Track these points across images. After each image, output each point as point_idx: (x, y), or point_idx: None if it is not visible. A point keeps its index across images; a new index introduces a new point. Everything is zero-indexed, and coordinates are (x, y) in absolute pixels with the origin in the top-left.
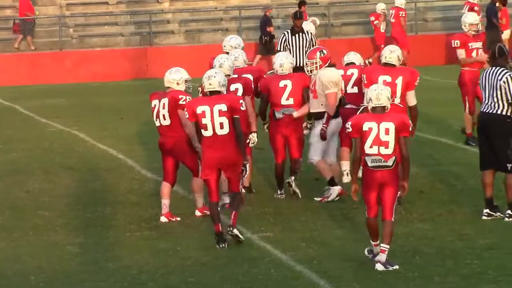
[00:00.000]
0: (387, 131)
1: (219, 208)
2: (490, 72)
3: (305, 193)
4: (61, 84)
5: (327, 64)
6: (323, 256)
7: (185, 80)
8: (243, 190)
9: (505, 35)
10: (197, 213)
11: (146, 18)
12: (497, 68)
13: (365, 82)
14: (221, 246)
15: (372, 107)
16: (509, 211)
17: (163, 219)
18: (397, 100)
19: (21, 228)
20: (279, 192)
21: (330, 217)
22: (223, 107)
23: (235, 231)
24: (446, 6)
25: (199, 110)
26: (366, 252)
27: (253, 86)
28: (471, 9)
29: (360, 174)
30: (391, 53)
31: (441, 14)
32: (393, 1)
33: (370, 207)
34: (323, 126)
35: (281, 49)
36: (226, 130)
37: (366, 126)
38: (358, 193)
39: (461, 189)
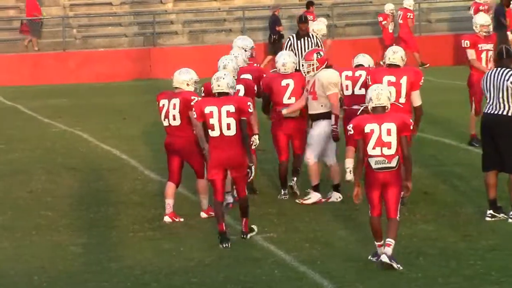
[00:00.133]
0: (389, 132)
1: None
2: (495, 73)
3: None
4: (64, 84)
5: (324, 66)
6: (327, 257)
7: (195, 81)
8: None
9: (510, 36)
10: (203, 214)
11: (149, 19)
12: (503, 69)
13: (370, 83)
14: (224, 245)
15: (373, 107)
16: None
17: (166, 219)
18: (402, 100)
19: (24, 228)
20: (282, 193)
21: (333, 217)
22: (231, 108)
23: (249, 235)
24: (450, 7)
25: (207, 110)
26: (370, 257)
27: (255, 88)
28: (476, 9)
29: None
30: (394, 54)
31: (444, 15)
32: (401, 1)
33: (374, 207)
34: (333, 128)
35: None
36: (233, 131)
37: (368, 128)
38: (359, 197)
39: (464, 190)
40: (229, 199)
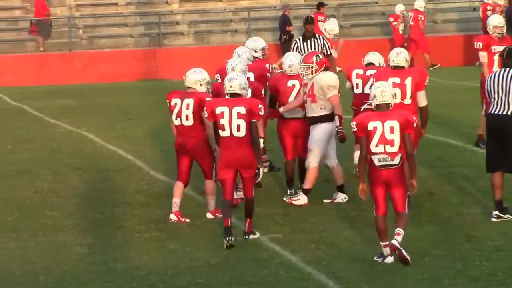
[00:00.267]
0: (392, 130)
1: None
2: (502, 73)
3: (314, 195)
4: (70, 84)
5: (322, 69)
6: (332, 257)
7: (207, 82)
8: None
9: None
10: (209, 215)
11: (155, 19)
12: (510, 69)
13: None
14: (227, 239)
15: (377, 104)
16: None
17: (172, 216)
18: (407, 101)
19: (30, 228)
20: (288, 192)
21: (339, 218)
22: (242, 110)
23: (251, 237)
24: (456, 7)
25: (218, 110)
26: (376, 258)
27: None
28: (484, 10)
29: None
30: (398, 56)
31: (450, 15)
32: (408, 2)
33: (378, 205)
34: (338, 129)
35: None
36: (242, 132)
37: (371, 126)
38: (365, 193)
39: (470, 191)
40: (240, 194)
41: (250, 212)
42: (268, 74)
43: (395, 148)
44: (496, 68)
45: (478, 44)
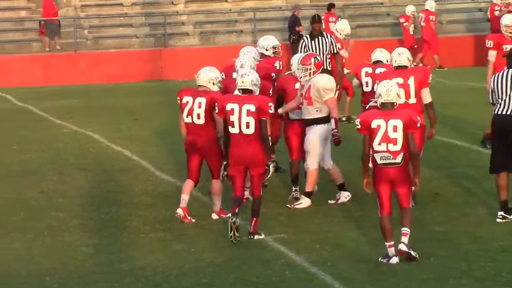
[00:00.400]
0: (395, 128)
1: None
2: (507, 73)
3: (318, 196)
4: (76, 85)
5: (320, 71)
6: (337, 258)
7: (219, 80)
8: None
9: None
10: (214, 216)
11: (160, 20)
12: None
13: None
14: (233, 219)
15: (381, 102)
16: None
17: (179, 210)
18: (412, 101)
19: (35, 228)
20: (293, 190)
21: (343, 219)
22: (252, 107)
23: (256, 237)
24: (462, 8)
25: (228, 107)
26: (380, 259)
27: (270, 92)
28: (492, 10)
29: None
30: (400, 56)
31: (456, 16)
32: (416, 2)
33: (383, 204)
34: (334, 132)
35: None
36: (251, 130)
37: (374, 123)
38: (370, 185)
39: (475, 191)
40: (246, 194)
41: (257, 211)
42: (273, 74)
43: (398, 147)
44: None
45: (489, 43)
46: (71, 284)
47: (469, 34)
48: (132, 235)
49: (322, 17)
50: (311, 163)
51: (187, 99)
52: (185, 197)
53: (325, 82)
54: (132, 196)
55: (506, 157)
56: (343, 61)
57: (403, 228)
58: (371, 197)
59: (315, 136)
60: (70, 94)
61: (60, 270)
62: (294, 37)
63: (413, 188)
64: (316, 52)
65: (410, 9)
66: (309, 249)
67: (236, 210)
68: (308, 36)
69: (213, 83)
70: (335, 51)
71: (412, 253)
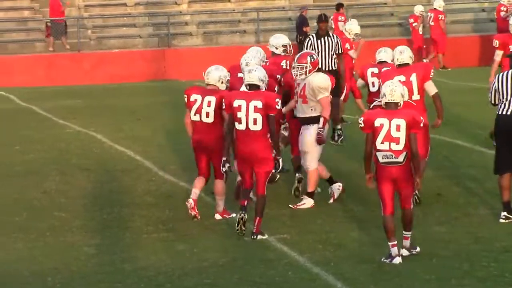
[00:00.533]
0: (398, 128)
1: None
2: (511, 74)
3: (321, 196)
4: (79, 85)
5: (315, 69)
6: (340, 258)
7: (228, 80)
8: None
9: None
10: (217, 216)
11: (164, 20)
12: None
13: (382, 85)
14: (241, 215)
15: (385, 102)
16: None
17: (191, 201)
18: (415, 97)
19: (38, 229)
20: (297, 175)
21: (346, 219)
22: (259, 104)
23: (259, 237)
24: (466, 8)
25: (235, 103)
26: (383, 259)
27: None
28: (498, 11)
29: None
30: (402, 54)
31: (460, 16)
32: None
33: (386, 204)
34: (319, 130)
35: None
36: (259, 126)
37: (377, 122)
38: (372, 181)
39: (477, 192)
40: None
41: (261, 210)
42: (278, 76)
43: (400, 146)
44: None
45: (495, 42)
46: (74, 284)
47: (473, 35)
48: (134, 235)
49: (331, 16)
50: (311, 164)
51: (195, 97)
52: (196, 191)
53: (320, 81)
54: (135, 196)
55: (509, 158)
56: (353, 62)
57: (404, 232)
58: (373, 198)
59: (311, 137)
60: (73, 94)
61: (63, 270)
62: (301, 37)
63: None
64: (321, 52)
65: (418, 9)
66: (312, 249)
67: (245, 203)
68: (314, 35)
69: (222, 82)
70: (340, 52)
71: (414, 252)
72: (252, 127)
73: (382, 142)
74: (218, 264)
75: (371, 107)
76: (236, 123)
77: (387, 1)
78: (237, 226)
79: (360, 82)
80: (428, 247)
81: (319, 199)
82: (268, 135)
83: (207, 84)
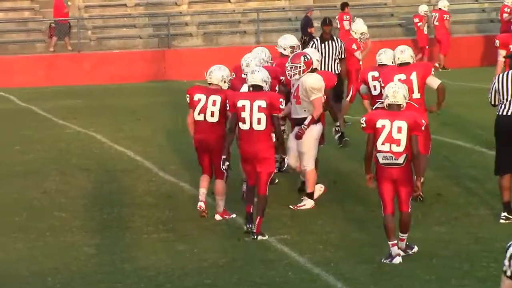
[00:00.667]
0: (399, 130)
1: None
2: (510, 74)
3: (322, 197)
4: (79, 85)
5: (309, 70)
6: (340, 259)
7: (230, 79)
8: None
9: None
10: (217, 217)
11: (164, 21)
12: None
13: (382, 84)
14: (248, 226)
15: (388, 104)
16: None
17: (201, 204)
18: (416, 96)
19: (38, 229)
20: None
21: (347, 220)
22: (263, 104)
23: (259, 237)
24: (465, 9)
25: (239, 103)
26: (383, 260)
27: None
28: (502, 12)
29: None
30: (403, 53)
31: (460, 17)
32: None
33: (386, 204)
34: (302, 126)
35: None
36: (262, 126)
37: (379, 123)
38: (373, 181)
39: (478, 192)
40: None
41: (262, 210)
42: (282, 78)
43: (401, 148)
44: None
45: (496, 42)
46: (74, 284)
47: (473, 35)
48: (134, 235)
49: (336, 16)
50: (308, 164)
51: (199, 96)
52: (203, 190)
53: (313, 81)
54: (135, 197)
55: (510, 159)
56: (360, 63)
57: (400, 234)
58: (373, 198)
59: (309, 138)
60: (73, 94)
61: (63, 270)
62: (305, 37)
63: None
64: (325, 55)
65: (423, 9)
66: (312, 250)
67: (251, 209)
68: (318, 38)
69: (225, 81)
70: (343, 56)
71: (410, 252)
72: (256, 126)
73: (383, 143)
74: (218, 264)
75: (373, 108)
76: (240, 123)
77: (387, 2)
78: (245, 233)
79: (363, 87)
80: (428, 247)
81: (319, 200)
82: (272, 135)
83: (210, 84)
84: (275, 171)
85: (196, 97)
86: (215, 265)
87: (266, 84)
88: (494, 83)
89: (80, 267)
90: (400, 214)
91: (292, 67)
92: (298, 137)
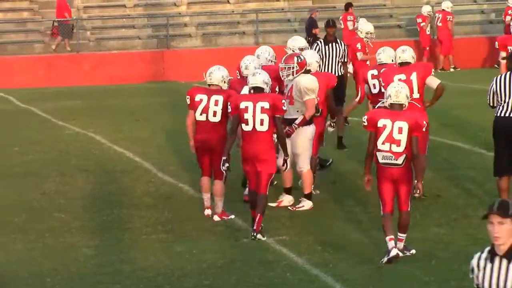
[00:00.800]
0: (400, 130)
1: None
2: (508, 76)
3: (321, 198)
4: (78, 86)
5: (303, 70)
6: (339, 260)
7: (229, 79)
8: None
9: None
10: (216, 218)
11: (163, 21)
12: None
13: (383, 84)
14: (252, 236)
15: (390, 103)
16: None
17: (208, 211)
18: (415, 96)
19: (37, 230)
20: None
21: (345, 220)
22: (266, 105)
23: (259, 236)
24: (466, 10)
25: (242, 105)
26: (382, 261)
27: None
28: (506, 13)
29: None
30: (404, 53)
31: (460, 18)
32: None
33: (385, 203)
34: (293, 125)
35: None
36: (265, 127)
37: (381, 123)
38: (371, 183)
39: (477, 193)
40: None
41: (262, 208)
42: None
43: (401, 149)
44: None
45: (496, 43)
46: (73, 285)
47: (472, 36)
48: (134, 236)
49: (340, 17)
50: (304, 165)
51: (200, 96)
52: (208, 196)
53: (308, 82)
54: (134, 198)
55: (508, 160)
56: (367, 63)
57: (399, 234)
58: (373, 198)
59: (303, 139)
60: (72, 95)
61: (62, 271)
62: (309, 38)
63: (416, 194)
64: (328, 58)
65: (426, 9)
66: (311, 251)
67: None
68: (322, 40)
69: (224, 82)
70: (346, 60)
71: (408, 253)
72: (258, 127)
73: (383, 143)
74: (216, 265)
75: (376, 107)
76: (243, 124)
77: (386, 3)
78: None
79: (366, 87)
80: (427, 249)
81: (318, 200)
82: (274, 137)
83: (210, 85)
84: (285, 168)
85: (198, 97)
86: (214, 266)
87: (267, 86)
88: (492, 84)
89: (79, 268)
90: (399, 213)
91: (285, 68)
92: (287, 135)
